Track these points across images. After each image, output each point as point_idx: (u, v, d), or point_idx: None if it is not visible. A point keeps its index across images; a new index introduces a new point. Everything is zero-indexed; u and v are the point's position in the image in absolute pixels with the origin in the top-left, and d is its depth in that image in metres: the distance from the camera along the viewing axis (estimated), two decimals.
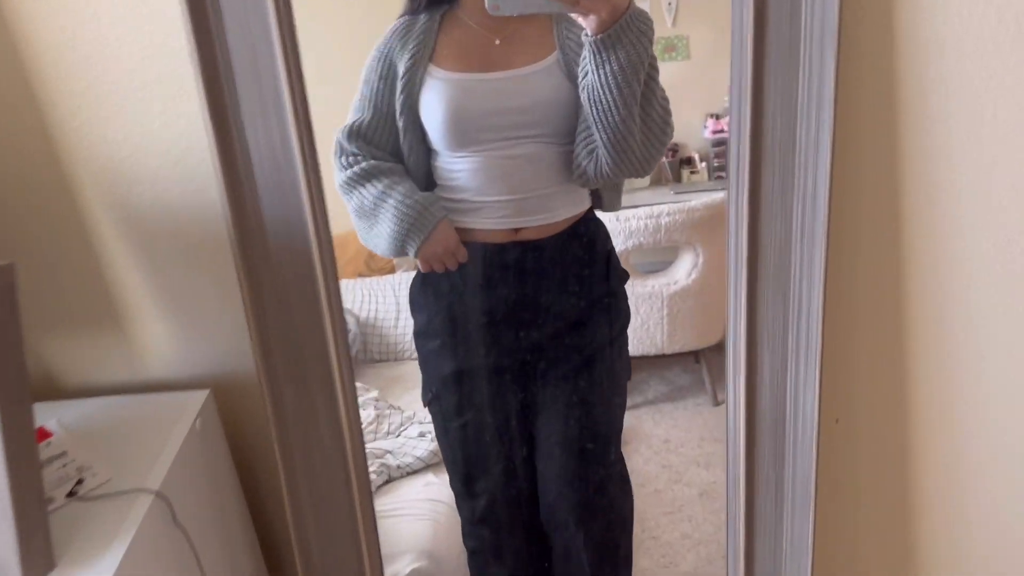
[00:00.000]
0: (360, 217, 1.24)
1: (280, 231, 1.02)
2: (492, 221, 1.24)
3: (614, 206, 1.34)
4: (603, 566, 1.38)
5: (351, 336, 1.84)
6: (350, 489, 1.13)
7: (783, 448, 1.15)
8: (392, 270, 1.79)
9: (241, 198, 1.00)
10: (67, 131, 1.05)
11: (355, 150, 1.24)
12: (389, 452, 1.64)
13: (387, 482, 1.61)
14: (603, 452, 1.35)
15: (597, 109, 1.12)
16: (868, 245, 1.09)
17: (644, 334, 1.65)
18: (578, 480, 1.34)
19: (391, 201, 1.21)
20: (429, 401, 1.38)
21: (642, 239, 1.55)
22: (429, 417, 1.45)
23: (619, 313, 1.36)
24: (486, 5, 1.02)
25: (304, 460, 1.12)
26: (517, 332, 1.31)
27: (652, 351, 1.67)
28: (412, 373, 1.40)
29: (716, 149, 1.66)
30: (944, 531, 1.23)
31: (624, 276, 1.36)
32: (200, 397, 1.16)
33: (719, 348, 1.80)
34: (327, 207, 1.01)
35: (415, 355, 1.39)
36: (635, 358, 1.50)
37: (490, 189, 1.22)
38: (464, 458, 1.39)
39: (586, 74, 1.11)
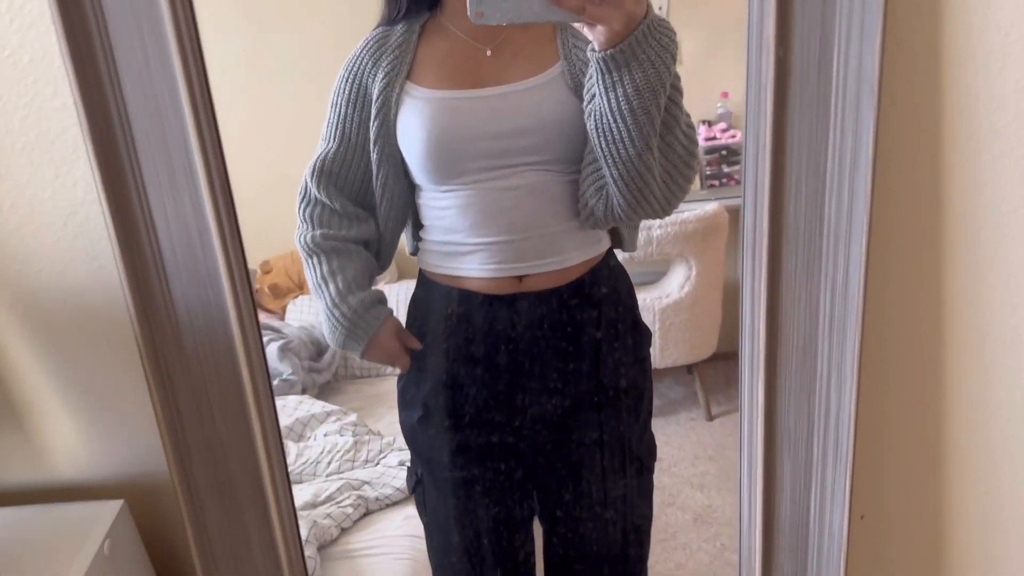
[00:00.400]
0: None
1: (197, 320, 0.83)
2: (490, 268, 1.02)
3: (633, 245, 1.13)
4: None
5: (331, 353, 1.73)
6: None
7: (805, 565, 0.97)
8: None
9: (146, 280, 0.82)
10: None
11: (318, 195, 1.06)
12: (367, 483, 1.53)
13: (364, 515, 1.49)
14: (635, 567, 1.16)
15: (606, 140, 0.91)
16: (908, 339, 0.91)
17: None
18: None
19: (326, 299, 1.03)
20: (413, 487, 1.18)
21: (634, 252, 1.29)
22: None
23: (646, 386, 1.14)
24: (468, 13, 0.80)
25: None
26: (523, 406, 1.08)
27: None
28: (394, 391, 1.22)
29: (708, 157, 1.57)
30: None
31: (649, 337, 1.14)
32: (111, 509, 0.97)
33: (712, 360, 1.77)
34: (252, 293, 0.83)
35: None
36: None
37: (486, 228, 1.01)
38: (453, 564, 1.17)
39: (592, 97, 0.91)
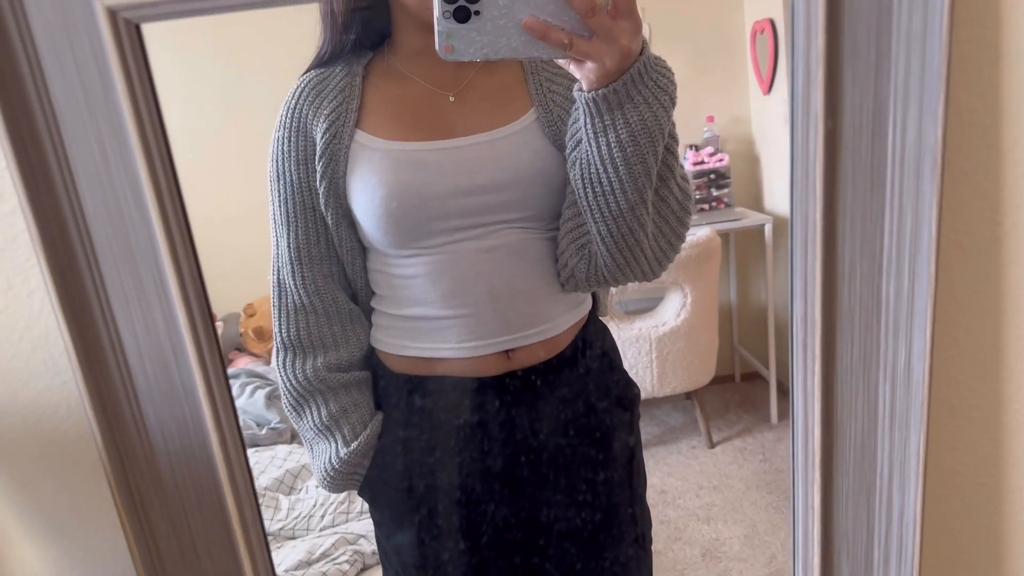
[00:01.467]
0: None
1: (173, 446, 0.73)
2: (472, 345, 0.89)
3: (607, 309, 1.01)
4: None
5: None
6: None
7: None
8: None
9: (114, 402, 0.71)
10: None
11: (303, 297, 0.90)
12: (363, 536, 1.44)
13: (362, 571, 1.41)
14: None
15: (594, 192, 0.80)
16: (974, 434, 0.82)
17: (633, 377, 1.35)
18: None
19: (328, 452, 0.90)
20: None
21: (605, 316, 1.25)
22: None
23: (638, 450, 1.01)
24: (436, 47, 0.67)
25: None
26: (519, 502, 0.94)
27: (642, 395, 1.43)
28: None
29: (697, 181, 1.54)
30: None
31: (638, 392, 1.02)
32: None
33: (710, 386, 1.74)
34: (237, 417, 0.72)
35: None
36: None
37: (463, 297, 0.88)
38: None
39: (578, 143, 0.80)
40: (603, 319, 1.02)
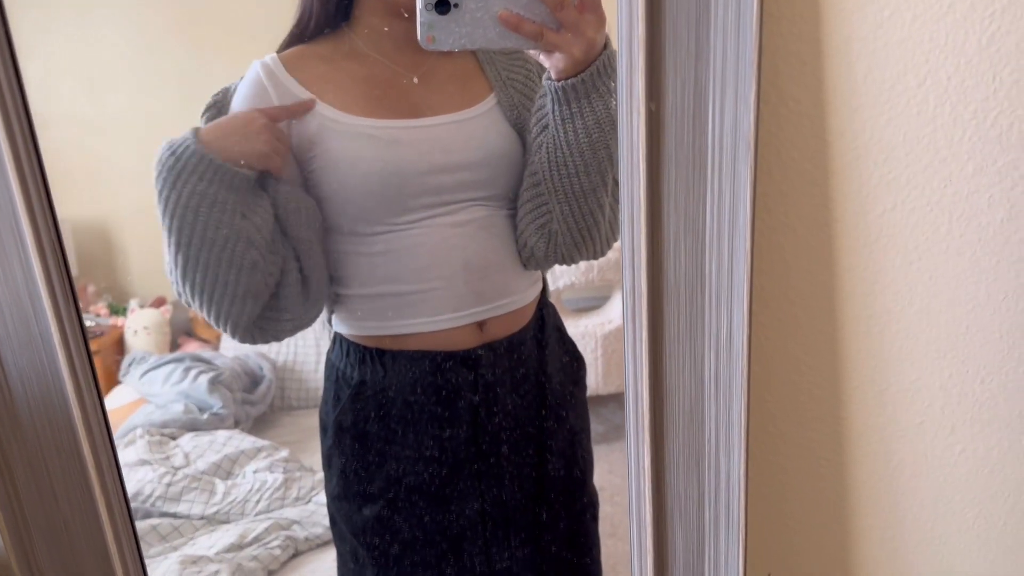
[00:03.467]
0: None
1: (32, 391, 0.76)
2: (446, 317, 0.91)
3: (547, 292, 1.05)
4: None
5: (266, 384, 1.64)
6: None
7: None
8: None
9: None
10: None
11: None
12: (296, 523, 1.45)
13: (293, 556, 1.41)
14: None
15: (559, 174, 0.87)
16: (799, 400, 0.87)
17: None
18: None
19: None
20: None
21: (574, 278, 1.35)
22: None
23: (586, 425, 1.06)
24: (418, 37, 0.74)
25: None
26: (492, 479, 0.97)
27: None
28: None
29: None
30: None
31: (584, 366, 1.07)
32: None
33: None
34: (91, 360, 0.76)
35: None
36: None
37: (439, 270, 0.91)
38: None
39: (545, 128, 0.86)
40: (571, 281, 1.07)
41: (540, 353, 0.99)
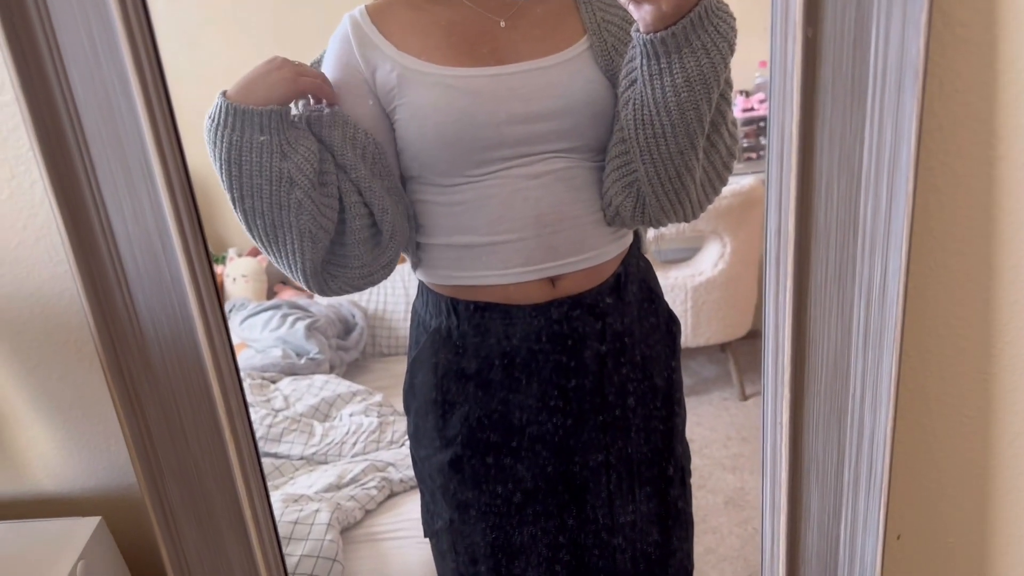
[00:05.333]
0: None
1: (163, 332, 0.76)
2: (517, 271, 0.88)
3: (647, 245, 1.01)
4: None
5: (358, 331, 1.68)
6: None
7: None
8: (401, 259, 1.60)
9: (107, 290, 0.75)
10: None
11: None
12: (392, 464, 1.47)
13: (389, 497, 1.44)
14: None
15: (646, 134, 0.80)
16: (951, 355, 0.81)
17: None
18: None
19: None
20: (437, 530, 1.02)
21: (664, 228, 1.16)
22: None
23: (679, 383, 1.02)
24: None
25: None
26: (557, 431, 0.95)
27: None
28: None
29: (746, 129, 1.46)
30: None
31: (680, 327, 1.02)
32: (88, 527, 0.92)
33: (747, 338, 1.68)
34: (221, 301, 0.75)
35: None
36: None
37: (510, 223, 0.87)
38: None
39: (632, 83, 0.80)
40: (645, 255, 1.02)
41: (622, 310, 0.94)
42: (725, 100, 0.83)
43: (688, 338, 1.60)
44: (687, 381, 1.08)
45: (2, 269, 0.84)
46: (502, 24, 0.87)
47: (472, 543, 0.99)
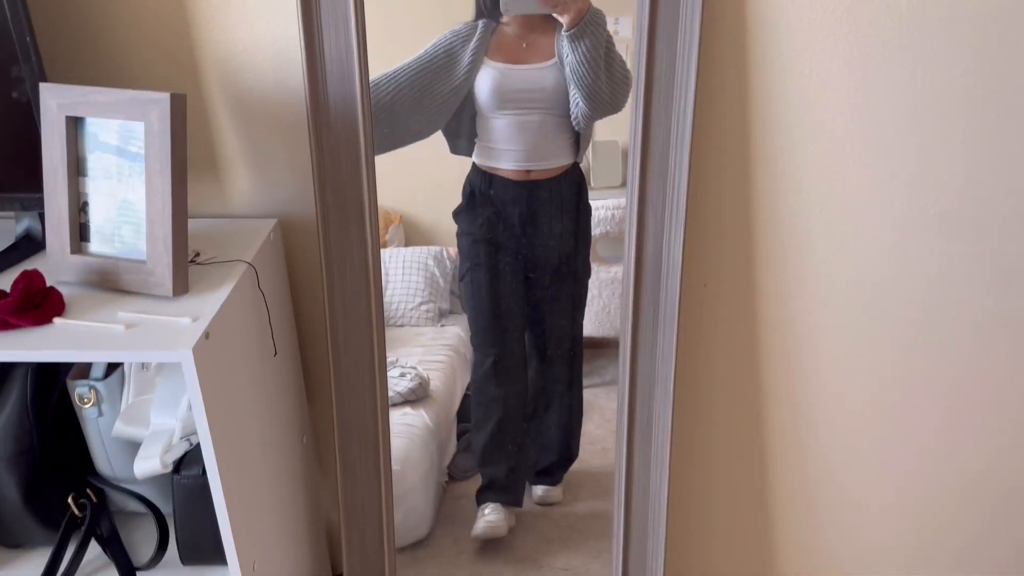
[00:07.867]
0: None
1: (339, 110, 1.53)
2: (513, 164, 1.80)
3: (582, 156, 1.88)
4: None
5: None
6: (368, 302, 1.67)
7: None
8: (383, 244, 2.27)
9: (316, 86, 1.51)
10: (203, 28, 1.54)
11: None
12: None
13: None
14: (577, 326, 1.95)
15: (576, 77, 1.68)
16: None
17: (604, 318, 1.89)
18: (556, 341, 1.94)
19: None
20: (463, 276, 1.93)
21: (609, 228, 1.83)
22: (410, 361, 1.92)
23: (586, 232, 1.90)
24: (501, 7, 1.61)
25: (340, 285, 1.65)
26: (524, 240, 1.86)
27: (611, 334, 1.90)
28: (404, 336, 1.94)
29: None
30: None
31: (589, 211, 1.89)
32: (271, 223, 1.68)
33: None
34: (370, 96, 1.52)
35: (404, 319, 1.93)
36: (593, 340, 1.87)
37: (514, 141, 1.78)
38: (483, 312, 1.94)
39: (566, 55, 1.67)
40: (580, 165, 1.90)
41: (560, 189, 1.82)
42: (611, 50, 1.68)
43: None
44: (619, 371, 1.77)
45: (248, 75, 1.56)
46: (524, 45, 1.78)
47: (479, 285, 1.92)
